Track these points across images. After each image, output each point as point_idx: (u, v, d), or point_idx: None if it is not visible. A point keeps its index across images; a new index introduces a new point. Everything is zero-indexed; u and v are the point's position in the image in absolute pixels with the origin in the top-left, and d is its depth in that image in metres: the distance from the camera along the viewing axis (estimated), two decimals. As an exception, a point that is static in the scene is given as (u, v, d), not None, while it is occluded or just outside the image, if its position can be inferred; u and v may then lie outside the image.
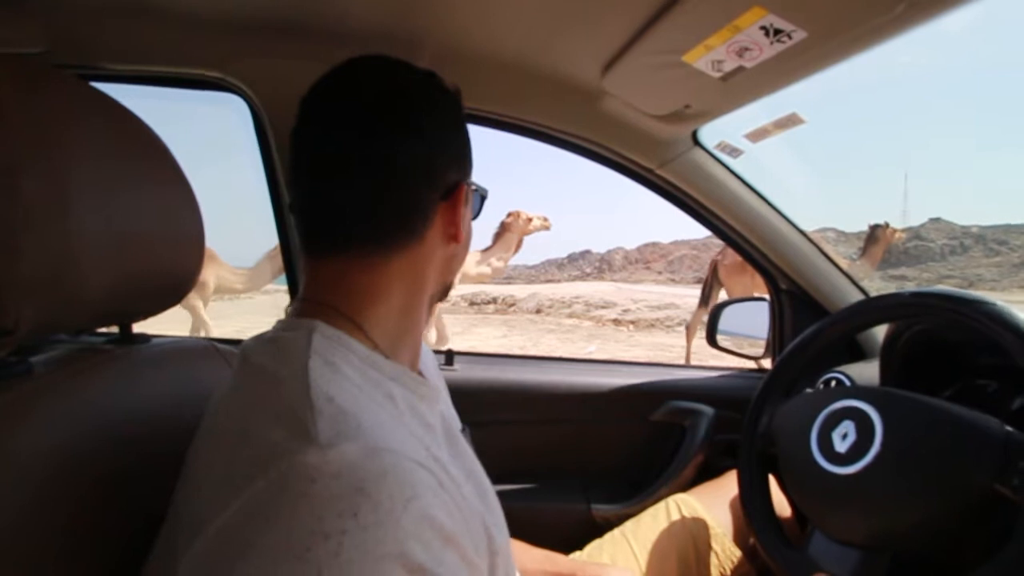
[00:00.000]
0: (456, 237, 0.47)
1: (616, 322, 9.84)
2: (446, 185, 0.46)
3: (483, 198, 0.55)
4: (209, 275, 5.37)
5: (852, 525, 0.61)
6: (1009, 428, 0.54)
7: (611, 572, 0.68)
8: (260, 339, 0.43)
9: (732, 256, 5.20)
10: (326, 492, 0.31)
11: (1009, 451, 0.52)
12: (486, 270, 5.48)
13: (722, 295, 5.45)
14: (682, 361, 5.15)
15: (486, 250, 5.49)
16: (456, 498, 0.37)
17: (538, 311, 11.60)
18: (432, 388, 0.46)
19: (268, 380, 0.39)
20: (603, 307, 11.24)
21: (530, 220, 5.53)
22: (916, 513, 0.56)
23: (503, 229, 5.51)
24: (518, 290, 12.89)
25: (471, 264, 5.37)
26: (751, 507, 0.72)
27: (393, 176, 0.43)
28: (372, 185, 0.43)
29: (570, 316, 10.71)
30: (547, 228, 5.69)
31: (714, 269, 5.45)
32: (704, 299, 5.54)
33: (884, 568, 0.59)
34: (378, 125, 0.43)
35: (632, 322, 9.63)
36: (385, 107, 0.44)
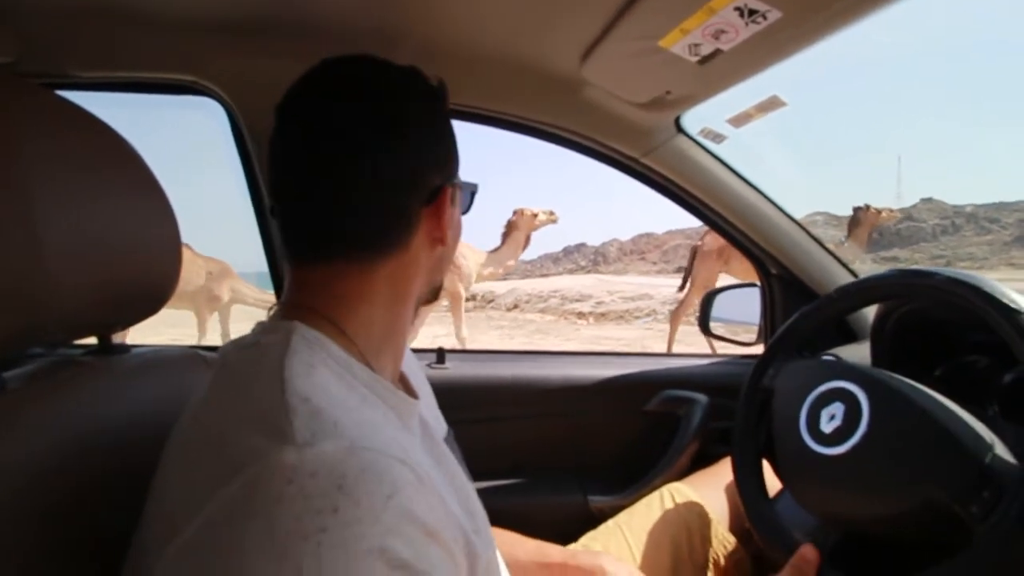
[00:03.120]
0: (442, 240, 0.46)
1: (580, 315, 9.95)
2: (429, 190, 0.45)
3: (472, 193, 0.54)
4: (224, 289, 5.45)
5: (821, 501, 0.64)
6: (997, 452, 0.53)
7: (602, 559, 0.68)
8: (238, 343, 0.43)
9: (711, 242, 5.33)
10: (304, 491, 0.31)
11: (982, 477, 0.51)
12: (496, 270, 5.49)
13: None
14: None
15: (495, 250, 5.48)
16: (437, 496, 0.37)
17: (515, 306, 11.69)
18: (409, 402, 0.46)
19: (244, 382, 0.38)
20: (578, 300, 11.34)
21: (536, 216, 5.52)
22: (877, 507, 0.58)
23: (510, 228, 5.50)
24: (498, 285, 13.01)
25: (480, 265, 5.37)
26: (741, 461, 0.73)
27: (374, 185, 0.42)
28: (353, 195, 0.42)
29: (542, 311, 10.83)
30: (554, 222, 5.68)
31: (694, 255, 5.60)
32: (684, 284, 5.69)
33: (834, 540, 0.63)
34: (357, 131, 0.42)
35: (603, 314, 9.73)
36: (363, 112, 0.42)
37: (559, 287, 13.89)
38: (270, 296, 5.85)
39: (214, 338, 5.38)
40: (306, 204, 0.43)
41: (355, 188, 0.42)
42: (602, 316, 9.64)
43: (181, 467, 0.37)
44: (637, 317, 9.17)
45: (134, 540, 0.39)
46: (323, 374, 0.38)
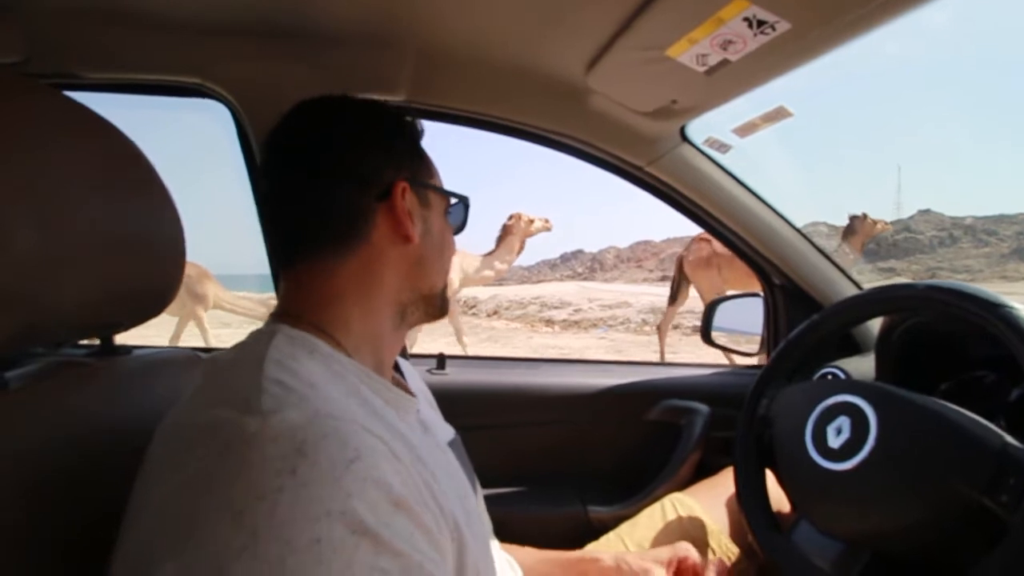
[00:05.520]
0: (408, 238, 0.47)
1: (548, 322, 10.04)
2: (381, 186, 0.47)
3: (466, 208, 0.56)
4: (203, 292, 5.48)
5: (838, 520, 0.61)
6: (1009, 440, 0.52)
7: (621, 555, 0.67)
8: (229, 348, 0.45)
9: (697, 251, 5.25)
10: (263, 454, 0.31)
11: (1003, 465, 0.51)
12: (489, 274, 5.49)
13: (692, 292, 5.47)
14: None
15: (488, 254, 5.50)
16: (416, 474, 0.37)
17: (495, 312, 11.83)
18: (406, 398, 0.47)
19: (225, 376, 0.40)
20: (556, 307, 11.50)
21: (531, 222, 5.55)
22: (902, 516, 0.56)
23: (505, 232, 5.53)
24: (481, 291, 13.17)
25: (473, 269, 5.38)
26: (744, 486, 0.72)
27: (319, 186, 0.46)
28: (302, 197, 0.46)
29: (519, 318, 10.93)
30: (548, 229, 5.71)
31: (680, 265, 5.47)
32: (673, 296, 5.54)
33: (863, 563, 0.59)
34: (301, 138, 0.47)
35: (576, 322, 9.78)
36: (309, 123, 0.48)
37: (541, 294, 14.07)
38: (246, 302, 5.88)
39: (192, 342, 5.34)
40: (269, 213, 0.47)
41: (303, 189, 0.46)
42: (575, 324, 9.68)
43: (156, 452, 0.39)
44: (610, 326, 9.20)
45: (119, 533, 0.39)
46: (308, 365, 0.40)
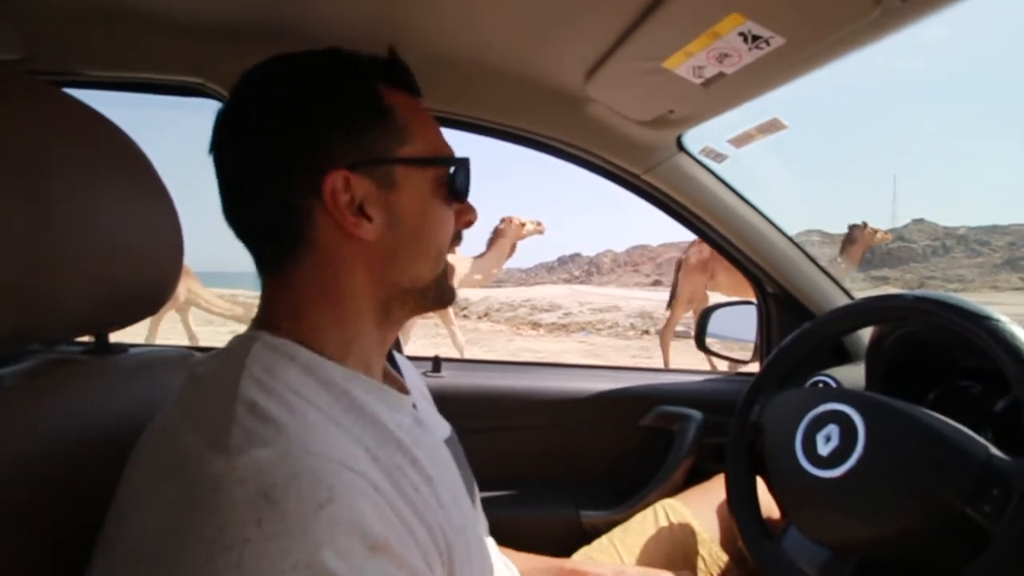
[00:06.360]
0: (356, 229, 0.41)
1: (534, 325, 10.04)
2: (311, 179, 0.40)
3: (466, 172, 0.47)
4: (182, 289, 5.44)
5: (826, 527, 0.62)
6: (993, 451, 0.53)
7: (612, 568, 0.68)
8: (211, 353, 0.43)
9: (697, 254, 5.19)
10: (230, 500, 0.30)
11: (986, 476, 0.51)
12: (479, 277, 5.49)
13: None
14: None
15: (479, 256, 5.50)
16: (396, 505, 0.35)
17: (486, 314, 11.83)
18: (398, 396, 0.45)
19: (200, 389, 0.39)
20: (547, 310, 11.52)
21: (523, 225, 5.55)
22: (888, 524, 0.57)
23: (496, 235, 5.53)
24: (473, 293, 13.16)
25: (464, 271, 5.37)
26: (735, 492, 0.72)
27: (247, 187, 0.42)
28: (232, 201, 0.43)
29: (508, 320, 10.93)
30: (540, 232, 5.72)
31: (679, 268, 5.41)
32: (671, 300, 5.46)
33: (850, 570, 0.60)
34: (233, 132, 0.43)
35: (564, 325, 9.80)
36: (242, 113, 0.43)
37: (532, 297, 14.08)
38: (223, 301, 5.83)
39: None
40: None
41: (237, 192, 0.42)
42: (563, 327, 9.69)
43: (128, 474, 0.38)
44: (598, 330, 9.19)
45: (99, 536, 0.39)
46: (288, 375, 0.38)
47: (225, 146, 0.43)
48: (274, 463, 0.32)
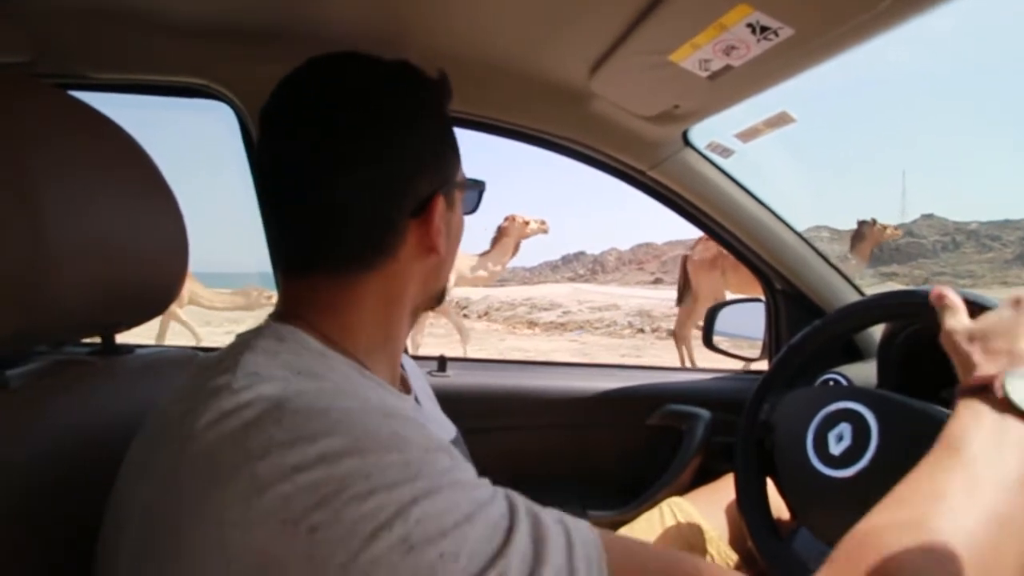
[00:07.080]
0: (434, 249, 0.43)
1: (530, 324, 10.07)
2: (417, 199, 0.42)
3: (480, 192, 0.52)
4: (184, 290, 5.46)
5: (838, 528, 0.61)
6: None
7: None
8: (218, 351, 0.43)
9: (702, 251, 5.10)
10: (240, 420, 0.31)
11: None
12: (483, 274, 5.49)
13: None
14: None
15: (483, 254, 5.51)
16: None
17: (486, 313, 11.90)
18: (402, 396, 0.45)
19: (203, 373, 0.38)
20: (546, 309, 11.55)
21: (527, 224, 5.56)
22: None
23: (500, 234, 5.54)
24: (473, 292, 13.20)
25: (468, 269, 5.38)
26: (745, 492, 0.71)
27: (353, 198, 0.40)
28: (329, 207, 0.40)
29: (507, 319, 10.97)
30: (544, 231, 5.72)
31: (684, 266, 5.29)
32: (680, 298, 5.35)
33: None
34: (336, 140, 0.39)
35: (563, 324, 9.81)
36: (340, 121, 0.40)
37: (532, 295, 14.10)
38: (224, 297, 5.83)
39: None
40: (284, 216, 0.42)
41: (333, 202, 0.40)
42: (560, 326, 9.68)
43: (138, 447, 0.38)
44: (596, 328, 9.16)
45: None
46: (298, 356, 0.38)
47: (313, 151, 0.40)
48: (279, 390, 0.32)
